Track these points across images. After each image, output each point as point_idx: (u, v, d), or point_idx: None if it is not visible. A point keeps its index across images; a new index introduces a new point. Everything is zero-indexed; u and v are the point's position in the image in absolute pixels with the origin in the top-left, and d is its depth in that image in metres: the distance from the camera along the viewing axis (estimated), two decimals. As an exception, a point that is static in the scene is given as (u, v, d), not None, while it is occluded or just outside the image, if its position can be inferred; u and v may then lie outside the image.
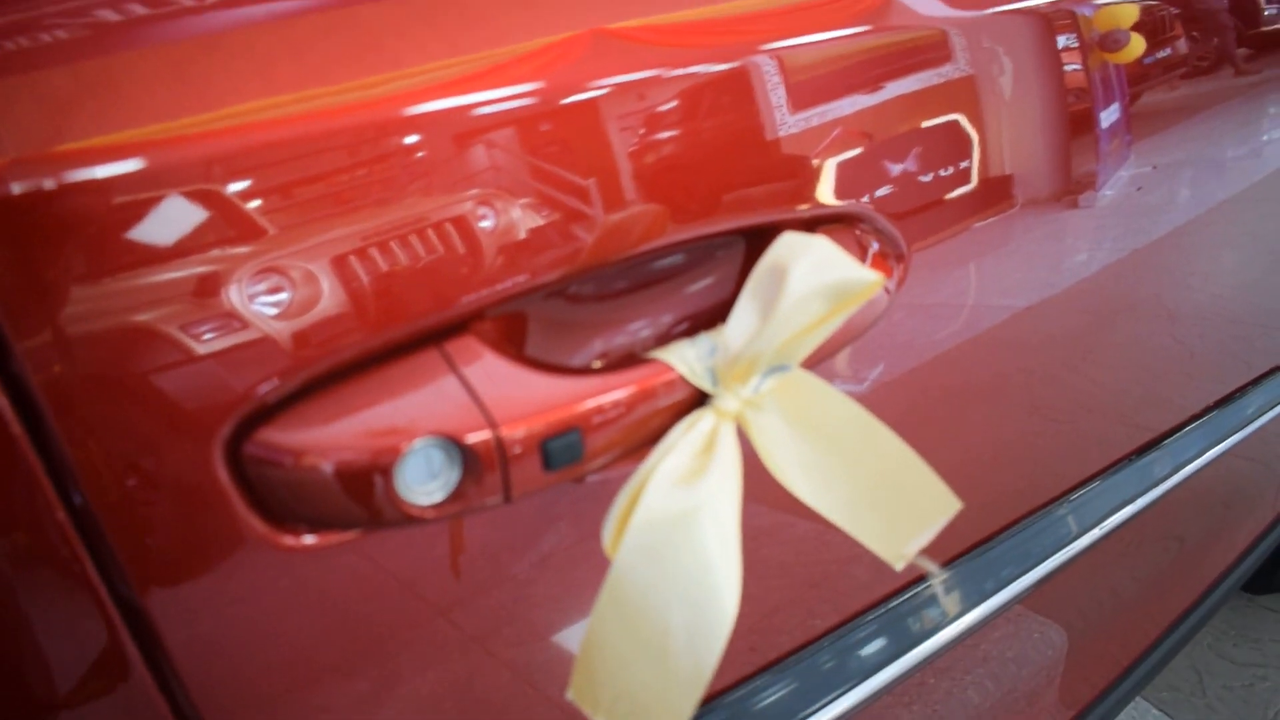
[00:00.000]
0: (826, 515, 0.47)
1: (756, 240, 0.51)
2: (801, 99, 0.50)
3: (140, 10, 0.38)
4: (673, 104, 0.46)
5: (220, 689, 0.43)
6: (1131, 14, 0.77)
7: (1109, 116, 0.76)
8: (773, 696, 0.68)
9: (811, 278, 0.44)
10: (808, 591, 0.70)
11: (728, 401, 0.45)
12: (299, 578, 0.43)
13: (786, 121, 0.50)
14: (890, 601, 0.75)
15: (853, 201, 0.53)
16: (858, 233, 0.54)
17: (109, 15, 0.37)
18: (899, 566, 0.49)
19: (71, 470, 0.37)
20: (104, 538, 0.38)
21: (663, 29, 0.48)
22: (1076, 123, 0.71)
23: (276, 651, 0.44)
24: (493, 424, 0.41)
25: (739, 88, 0.48)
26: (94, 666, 0.40)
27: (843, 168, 0.53)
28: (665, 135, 0.46)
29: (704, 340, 0.46)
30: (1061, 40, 0.69)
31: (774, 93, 0.49)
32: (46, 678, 0.39)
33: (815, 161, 0.51)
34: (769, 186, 0.50)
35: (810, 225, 0.52)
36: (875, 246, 0.54)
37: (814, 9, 0.52)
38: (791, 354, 0.46)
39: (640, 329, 0.50)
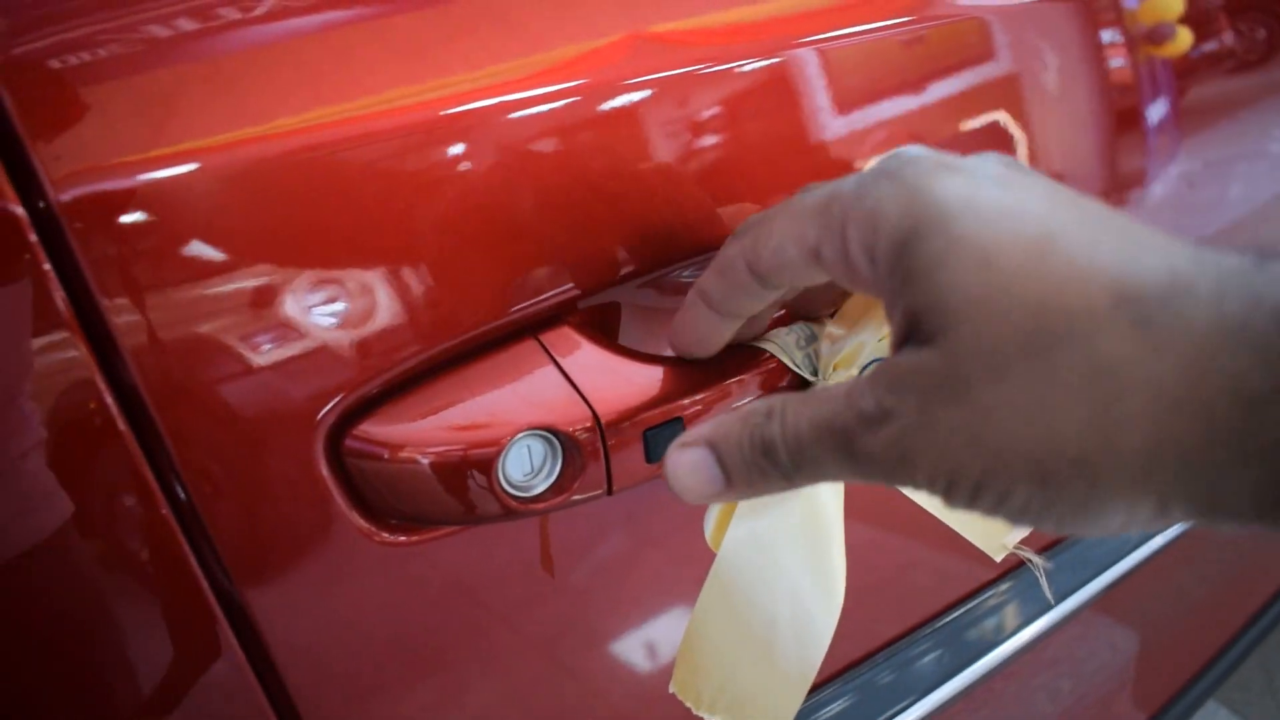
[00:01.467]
0: (925, 506, 0.46)
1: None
2: (868, 94, 0.50)
3: (191, 24, 0.38)
4: (770, 94, 0.45)
5: (317, 686, 0.42)
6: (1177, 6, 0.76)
7: (1157, 111, 0.76)
8: (836, 708, 0.66)
9: None
10: (868, 599, 0.69)
11: (828, 390, 0.44)
12: (397, 574, 0.43)
13: (879, 110, 0.49)
14: (955, 609, 0.74)
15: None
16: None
17: (192, 24, 0.37)
18: (999, 558, 0.48)
19: (175, 466, 0.36)
20: (206, 533, 0.38)
21: (750, 25, 0.47)
22: (1123, 118, 0.70)
23: (374, 649, 0.43)
24: (594, 414, 0.41)
25: (833, 78, 0.48)
26: (196, 663, 0.39)
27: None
28: (760, 128, 0.45)
29: (802, 328, 0.45)
30: (1106, 35, 0.69)
31: (843, 86, 0.49)
32: (149, 675, 0.39)
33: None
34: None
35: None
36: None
37: (850, 7, 0.52)
38: (892, 342, 0.45)
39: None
